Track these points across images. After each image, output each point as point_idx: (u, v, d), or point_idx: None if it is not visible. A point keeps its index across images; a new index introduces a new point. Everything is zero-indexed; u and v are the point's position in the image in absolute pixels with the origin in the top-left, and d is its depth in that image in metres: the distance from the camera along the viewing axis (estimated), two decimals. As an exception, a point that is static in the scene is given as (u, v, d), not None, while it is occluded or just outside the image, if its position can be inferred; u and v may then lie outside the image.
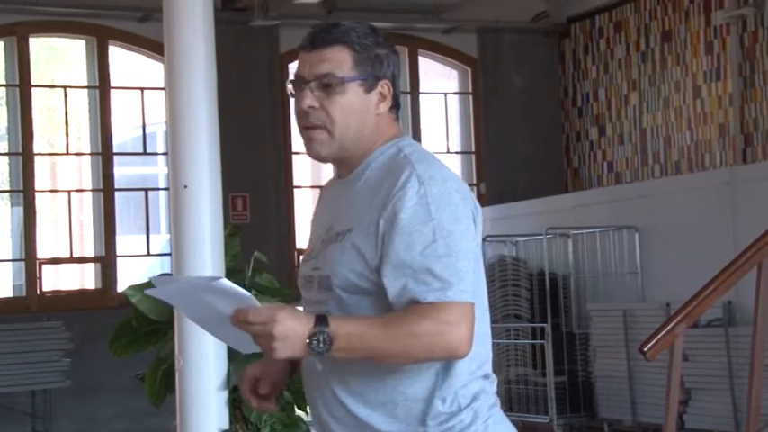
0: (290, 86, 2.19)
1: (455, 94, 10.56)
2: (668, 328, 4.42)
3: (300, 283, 2.25)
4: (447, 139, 10.49)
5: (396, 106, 2.22)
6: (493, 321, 8.67)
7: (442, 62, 10.51)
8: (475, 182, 10.41)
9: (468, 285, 2.04)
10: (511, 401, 8.17)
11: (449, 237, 2.04)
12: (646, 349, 4.39)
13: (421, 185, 2.06)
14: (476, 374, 2.13)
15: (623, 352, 7.57)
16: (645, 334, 5.38)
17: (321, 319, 2.01)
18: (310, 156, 2.19)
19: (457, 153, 10.53)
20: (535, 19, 10.43)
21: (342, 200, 2.19)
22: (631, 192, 8.64)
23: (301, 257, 2.36)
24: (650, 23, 9.67)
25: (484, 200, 10.27)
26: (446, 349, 2.02)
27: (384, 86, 2.18)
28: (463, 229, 2.07)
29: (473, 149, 10.43)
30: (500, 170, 10.30)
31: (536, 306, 8.22)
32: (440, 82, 10.69)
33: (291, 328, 1.99)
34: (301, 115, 2.16)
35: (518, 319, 8.29)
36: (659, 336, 4.41)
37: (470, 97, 10.45)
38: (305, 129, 2.17)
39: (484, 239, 8.49)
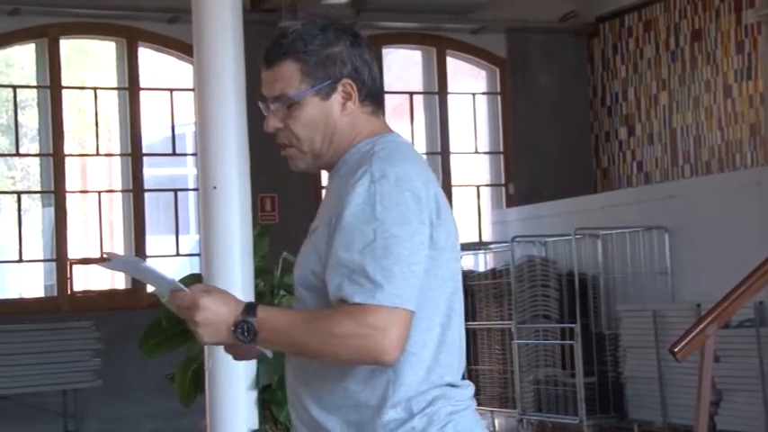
0: (261, 106, 2.19)
1: (483, 94, 10.53)
2: (699, 328, 4.39)
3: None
4: (475, 140, 10.46)
5: (371, 96, 2.16)
6: (522, 322, 8.62)
7: (470, 62, 10.49)
8: (503, 182, 10.39)
9: (402, 291, 1.95)
10: (540, 402, 8.15)
11: (390, 239, 1.97)
12: (676, 350, 4.37)
13: (371, 183, 2.01)
14: (435, 383, 2.05)
15: (653, 353, 7.52)
16: (675, 335, 5.35)
17: (249, 309, 2.00)
18: (293, 169, 2.21)
19: (485, 153, 10.51)
20: (564, 18, 10.39)
21: (323, 200, 2.20)
22: (661, 192, 8.59)
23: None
24: (680, 22, 9.61)
25: (512, 200, 10.25)
26: (370, 354, 1.95)
27: (345, 85, 2.14)
28: (410, 232, 1.99)
29: (501, 150, 10.41)
30: (528, 170, 10.26)
31: (565, 306, 8.18)
32: (468, 82, 10.67)
33: (216, 314, 1.99)
34: (275, 135, 2.17)
35: (547, 319, 8.26)
36: (690, 337, 4.38)
37: (498, 97, 10.43)
38: (281, 147, 2.18)
39: (513, 239, 8.48)
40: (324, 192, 2.39)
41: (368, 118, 2.16)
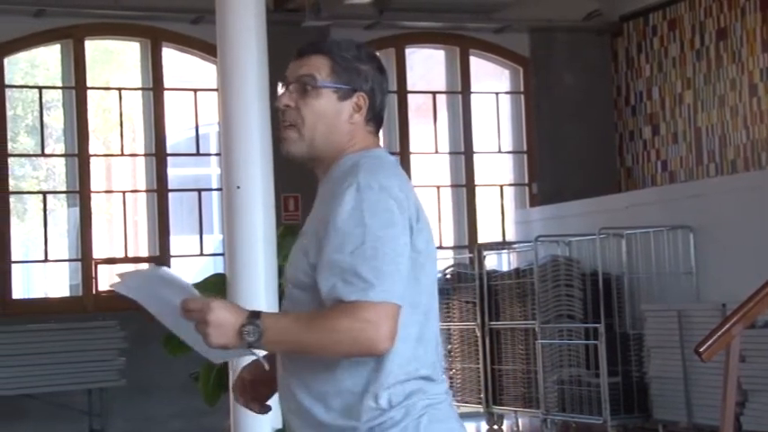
0: (279, 86, 2.36)
1: (506, 93, 10.51)
2: (724, 328, 4.37)
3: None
4: (498, 139, 10.45)
5: (375, 120, 2.37)
6: (545, 322, 8.59)
7: (493, 62, 10.47)
8: (527, 181, 10.36)
9: (392, 287, 2.16)
10: (564, 402, 8.12)
11: (377, 241, 2.17)
12: (702, 350, 4.34)
13: (358, 192, 2.20)
14: (412, 375, 2.24)
15: (678, 353, 7.49)
16: (700, 335, 5.32)
17: (254, 313, 2.18)
18: (284, 155, 2.36)
19: (508, 153, 10.49)
20: (587, 17, 10.36)
21: (314, 205, 2.37)
22: (686, 191, 8.55)
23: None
24: (705, 21, 9.56)
25: (536, 200, 10.23)
26: (365, 345, 2.14)
27: (360, 98, 2.34)
28: (395, 234, 2.19)
29: (525, 149, 10.38)
30: (552, 170, 10.24)
31: (589, 306, 8.15)
32: (491, 81, 10.65)
33: (224, 317, 2.16)
34: (279, 113, 2.35)
35: (571, 319, 8.23)
36: (715, 337, 4.36)
37: (522, 97, 10.40)
38: (281, 127, 2.35)
39: (536, 239, 8.46)
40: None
41: (366, 134, 2.36)
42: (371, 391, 2.21)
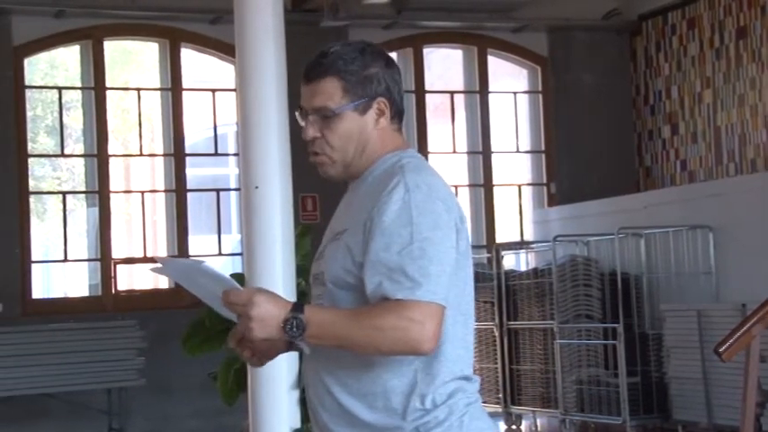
0: (298, 116, 2.38)
1: (525, 93, 10.49)
2: (744, 329, 4.35)
3: (311, 281, 2.43)
4: (516, 139, 10.43)
5: (398, 115, 2.37)
6: (564, 322, 8.56)
7: (511, 61, 10.45)
8: (545, 181, 10.34)
9: (437, 288, 2.18)
10: (583, 402, 8.10)
11: (425, 241, 2.18)
12: (721, 350, 4.33)
13: (406, 192, 2.22)
14: (456, 375, 2.26)
15: (698, 353, 7.46)
16: (720, 335, 5.30)
17: (297, 306, 2.18)
18: (323, 176, 2.39)
19: (526, 152, 10.47)
20: (606, 17, 10.33)
21: (347, 204, 2.38)
22: (705, 190, 8.51)
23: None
24: (725, 20, 9.51)
25: (554, 199, 10.20)
26: (409, 344, 2.15)
27: (380, 103, 2.34)
28: (441, 236, 2.21)
29: (543, 149, 10.36)
30: (570, 169, 10.21)
31: (608, 306, 8.13)
32: (509, 81, 10.63)
33: (268, 311, 2.17)
34: (307, 143, 2.36)
35: (589, 319, 8.21)
36: (735, 337, 4.34)
37: (540, 96, 10.38)
38: (314, 155, 2.37)
39: (554, 239, 8.44)
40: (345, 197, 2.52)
41: (393, 134, 2.37)
42: (418, 391, 2.22)
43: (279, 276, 4.30)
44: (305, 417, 4.31)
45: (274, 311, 2.17)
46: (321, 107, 2.31)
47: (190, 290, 2.31)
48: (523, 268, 9.28)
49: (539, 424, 9.04)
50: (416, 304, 2.15)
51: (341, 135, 2.32)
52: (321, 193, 8.98)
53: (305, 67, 2.36)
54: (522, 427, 8.95)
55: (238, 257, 9.09)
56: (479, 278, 8.95)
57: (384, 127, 2.34)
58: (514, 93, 10.45)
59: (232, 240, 10.02)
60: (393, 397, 2.23)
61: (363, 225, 2.23)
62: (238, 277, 4.58)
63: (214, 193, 9.69)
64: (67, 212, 9.31)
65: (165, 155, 9.40)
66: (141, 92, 9.49)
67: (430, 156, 9.93)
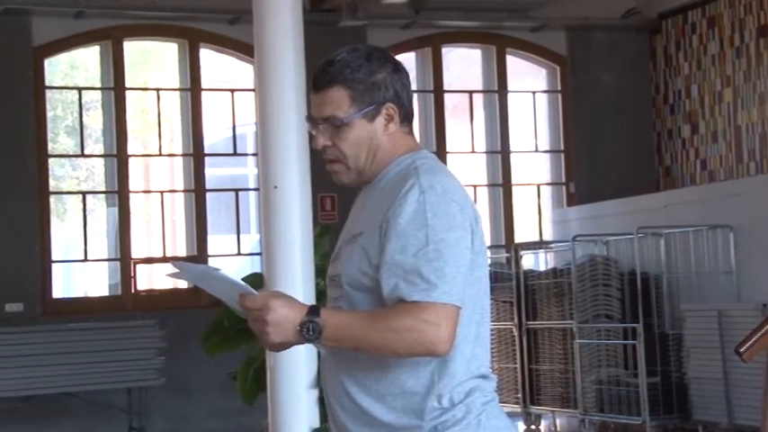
0: (307, 124, 2.40)
1: (543, 92, 10.47)
2: (765, 328, 4.32)
3: (327, 283, 2.43)
4: (535, 138, 10.40)
5: (408, 118, 2.38)
6: (583, 321, 8.52)
7: (530, 60, 10.43)
8: (564, 181, 10.31)
9: (453, 289, 2.19)
10: (602, 402, 8.08)
11: (440, 242, 2.20)
12: (742, 350, 4.30)
13: (421, 194, 2.23)
14: (473, 374, 2.28)
15: (718, 353, 7.42)
16: (740, 335, 5.26)
17: (313, 310, 2.20)
18: (337, 183, 2.41)
19: (545, 152, 10.44)
20: (625, 15, 10.29)
21: (361, 207, 2.40)
22: (726, 190, 8.47)
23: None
24: (745, 18, 9.46)
25: (573, 199, 10.18)
26: (425, 346, 2.17)
27: (389, 109, 2.35)
28: (456, 237, 2.22)
29: (562, 148, 10.33)
30: (589, 169, 10.18)
31: (627, 306, 8.10)
32: (528, 80, 10.61)
33: (284, 315, 2.18)
34: (320, 152, 2.38)
35: (609, 319, 8.18)
36: (756, 337, 4.31)
37: (559, 95, 10.35)
38: (327, 163, 2.38)
39: (574, 238, 8.42)
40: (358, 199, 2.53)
41: (404, 137, 2.38)
42: (435, 391, 2.24)
43: (298, 276, 4.31)
44: (324, 416, 4.31)
45: (290, 315, 2.18)
46: (330, 116, 2.32)
47: (207, 291, 2.32)
48: (542, 268, 9.26)
49: (558, 424, 9.02)
50: (432, 306, 2.16)
51: (351, 143, 2.33)
52: (340, 192, 8.99)
53: (312, 76, 2.37)
54: (542, 426, 8.93)
55: (257, 257, 9.10)
56: (498, 278, 8.94)
57: (394, 131, 2.35)
58: (533, 92, 10.43)
59: (251, 240, 10.04)
60: (411, 397, 2.24)
61: (379, 227, 2.25)
62: (257, 278, 4.59)
63: (233, 193, 9.71)
64: (87, 212, 9.34)
65: (184, 155, 9.43)
66: (160, 92, 9.51)
67: (448, 155, 9.92)
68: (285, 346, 2.24)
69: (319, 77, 2.34)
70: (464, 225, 2.24)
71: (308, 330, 2.17)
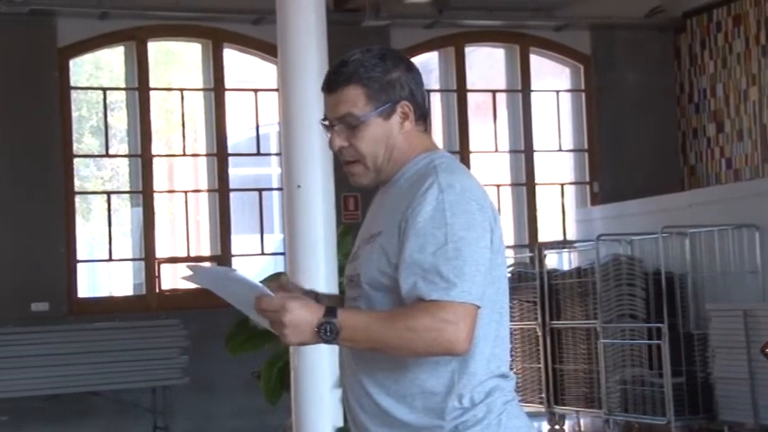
0: (322, 126, 2.39)
1: (567, 91, 10.43)
2: (791, 329, 4.29)
3: (345, 283, 2.43)
4: (559, 137, 10.37)
5: (423, 117, 2.38)
6: (607, 321, 8.48)
7: (553, 59, 10.40)
8: (587, 180, 10.28)
9: (472, 288, 2.18)
10: (627, 402, 8.04)
11: (460, 241, 2.19)
12: (768, 350, 4.27)
13: (440, 192, 2.22)
14: (493, 373, 2.27)
15: (744, 353, 7.38)
16: (766, 335, 5.24)
17: (330, 311, 2.18)
18: (355, 185, 2.40)
19: (569, 151, 10.41)
20: (649, 14, 10.24)
21: (379, 206, 2.39)
22: (751, 189, 8.42)
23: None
24: (770, 16, 9.40)
25: (597, 198, 10.14)
26: (443, 345, 2.16)
27: (404, 107, 2.34)
28: (476, 236, 2.21)
29: (586, 147, 10.30)
30: (613, 168, 10.14)
31: (652, 306, 8.07)
32: (551, 79, 10.58)
33: (301, 317, 2.17)
34: (336, 153, 2.38)
35: (633, 319, 8.15)
36: (782, 337, 4.28)
37: (583, 95, 10.32)
38: (345, 165, 2.38)
39: (598, 238, 8.39)
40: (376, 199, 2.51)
41: (420, 135, 2.38)
42: (456, 391, 2.24)
43: (321, 275, 4.31)
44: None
45: (307, 317, 2.17)
46: (346, 114, 2.31)
47: (222, 296, 2.32)
48: (566, 267, 9.23)
49: (582, 424, 8.99)
50: (451, 305, 2.15)
51: (368, 142, 2.32)
52: (363, 192, 8.98)
53: (325, 78, 2.37)
54: (566, 426, 8.91)
55: (281, 257, 9.12)
56: (522, 278, 8.92)
57: (409, 130, 2.35)
58: (557, 91, 10.40)
59: (274, 240, 10.06)
60: (431, 397, 2.24)
61: (398, 226, 2.24)
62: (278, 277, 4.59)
63: (256, 193, 9.74)
64: (112, 212, 9.39)
65: (207, 155, 9.46)
66: (184, 92, 9.55)
67: (471, 155, 9.90)
68: (306, 344, 2.24)
69: (334, 77, 2.34)
70: (483, 224, 2.23)
71: (326, 331, 2.16)
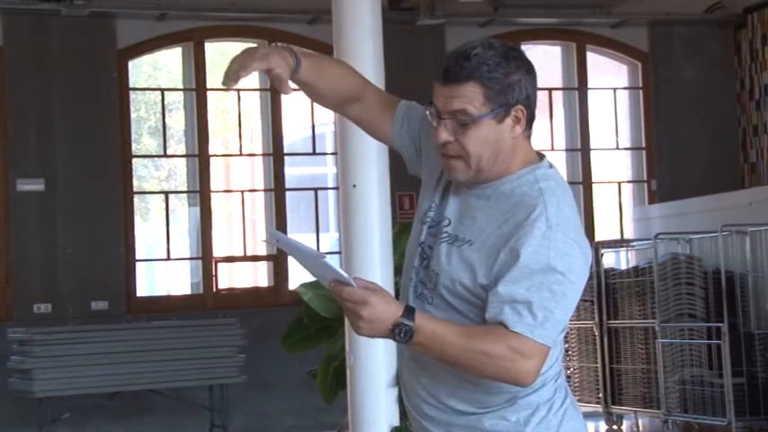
0: (428, 113, 2.30)
1: (624, 89, 10.34)
2: None
3: (410, 249, 2.39)
4: (616, 135, 10.28)
5: (531, 121, 2.34)
6: (665, 321, 8.37)
7: (610, 57, 10.31)
8: (645, 178, 10.18)
9: (553, 332, 2.20)
10: (686, 403, 7.95)
11: (556, 284, 2.18)
12: (831, 351, 4.20)
13: (548, 228, 2.20)
14: (555, 376, 2.32)
15: (806, 354, 7.26)
16: (829, 335, 5.14)
17: (408, 312, 2.14)
18: (450, 179, 2.34)
19: (626, 149, 10.31)
20: (709, 10, 10.11)
21: (472, 208, 2.31)
22: (813, 187, 8.27)
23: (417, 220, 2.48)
24: (833, 10, 9.23)
25: (654, 197, 10.04)
26: (511, 376, 2.18)
27: (518, 111, 2.29)
28: (573, 281, 2.21)
29: (643, 145, 10.20)
30: (671, 166, 10.03)
31: (711, 305, 7.97)
32: (609, 77, 10.49)
33: (380, 314, 2.13)
34: (439, 146, 2.29)
35: (692, 318, 8.05)
36: None
37: (640, 92, 10.22)
38: (444, 156, 2.30)
39: (656, 236, 8.30)
40: (453, 193, 2.43)
41: (524, 141, 2.33)
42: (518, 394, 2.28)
43: (377, 275, 4.32)
44: (403, 414, 4.32)
45: (386, 315, 2.13)
46: (460, 110, 2.23)
47: (301, 264, 2.28)
48: (624, 266, 9.14)
49: (640, 424, 8.90)
50: (530, 342, 2.16)
51: (477, 142, 2.25)
52: (418, 191, 8.97)
53: (443, 66, 2.25)
54: (624, 427, 8.83)
55: (336, 256, 9.14)
56: (579, 277, 8.85)
57: (518, 135, 2.30)
58: (614, 89, 10.31)
59: (330, 239, 10.10)
60: (495, 396, 2.27)
61: (497, 251, 2.21)
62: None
63: (312, 192, 9.77)
64: (170, 212, 9.48)
65: (264, 154, 9.51)
66: (241, 92, 9.62)
67: (528, 153, 9.85)
68: (375, 338, 2.22)
69: (452, 70, 2.23)
70: (582, 271, 2.24)
71: (400, 332, 2.13)
